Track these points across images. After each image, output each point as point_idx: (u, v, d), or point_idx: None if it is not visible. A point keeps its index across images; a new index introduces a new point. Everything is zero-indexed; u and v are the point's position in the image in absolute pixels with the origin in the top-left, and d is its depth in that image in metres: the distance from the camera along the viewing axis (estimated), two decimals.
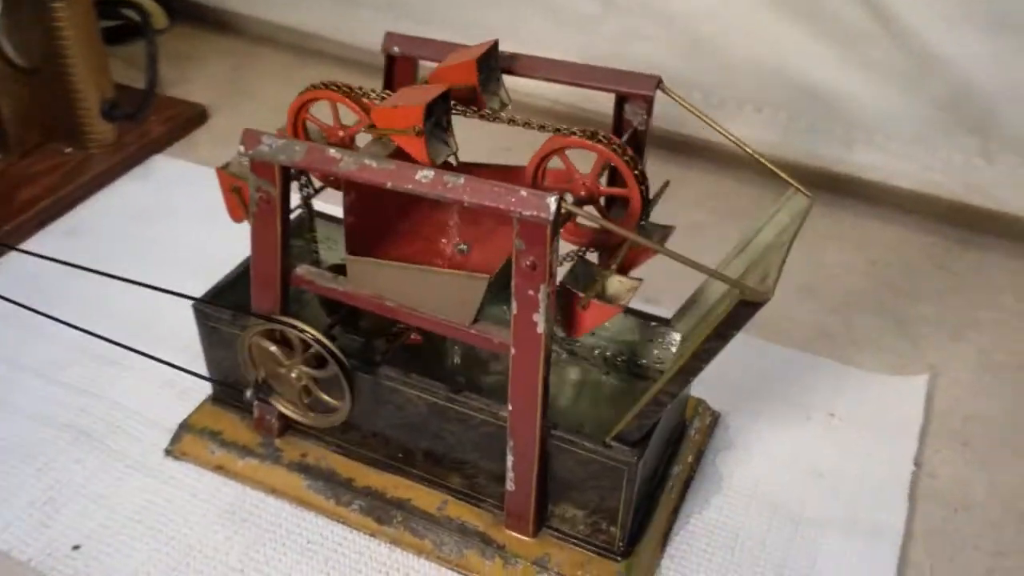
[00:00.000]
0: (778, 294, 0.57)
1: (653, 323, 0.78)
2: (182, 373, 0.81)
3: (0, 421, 0.83)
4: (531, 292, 0.60)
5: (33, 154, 1.13)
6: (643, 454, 0.66)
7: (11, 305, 0.83)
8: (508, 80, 0.70)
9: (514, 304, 0.61)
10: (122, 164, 1.14)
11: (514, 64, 0.71)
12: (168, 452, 0.80)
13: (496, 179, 0.58)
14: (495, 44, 0.67)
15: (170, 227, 1.07)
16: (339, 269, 0.76)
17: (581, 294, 0.62)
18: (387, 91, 0.70)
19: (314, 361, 0.70)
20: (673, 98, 0.68)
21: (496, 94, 0.67)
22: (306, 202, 0.74)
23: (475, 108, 0.66)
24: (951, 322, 0.96)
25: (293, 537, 0.74)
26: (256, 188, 0.65)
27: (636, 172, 0.63)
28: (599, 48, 1.15)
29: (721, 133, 0.66)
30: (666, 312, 0.78)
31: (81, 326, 0.79)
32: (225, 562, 0.72)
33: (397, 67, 0.75)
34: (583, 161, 0.66)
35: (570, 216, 0.65)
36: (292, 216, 0.68)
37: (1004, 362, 0.92)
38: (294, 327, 0.68)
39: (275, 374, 0.72)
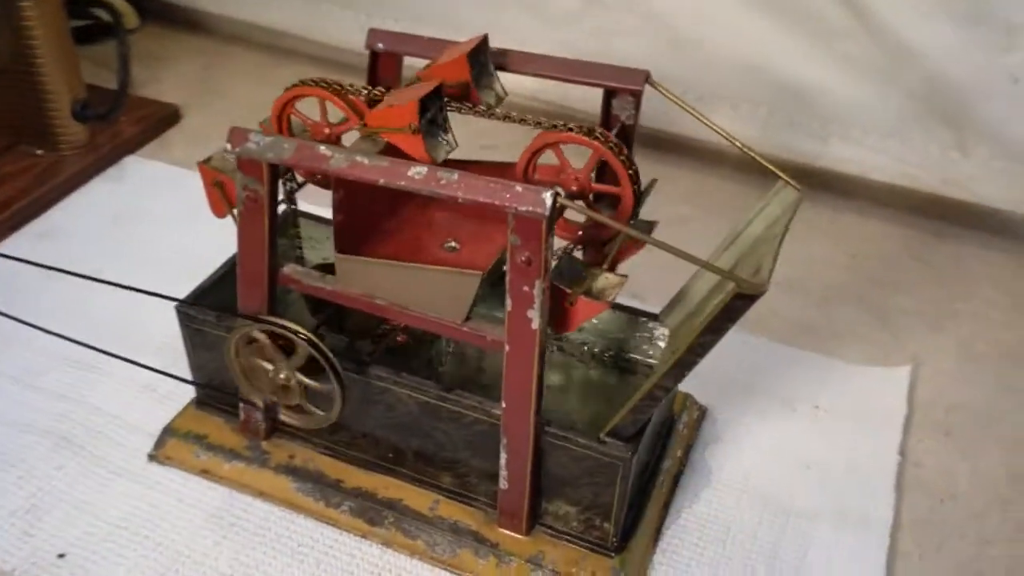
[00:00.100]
0: None
1: (641, 318, 0.78)
2: (162, 377, 0.80)
3: None
4: (526, 288, 0.59)
5: (3, 156, 1.11)
6: (637, 449, 0.65)
7: None
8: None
9: (508, 300, 0.60)
10: (95, 165, 1.13)
11: (500, 60, 0.70)
12: (152, 457, 0.79)
13: (486, 175, 0.58)
14: (484, 39, 0.67)
15: (146, 228, 1.06)
16: (325, 268, 0.75)
17: (568, 290, 0.62)
18: (373, 87, 0.69)
19: (303, 362, 0.69)
20: (662, 92, 0.68)
21: (491, 88, 0.67)
22: (290, 197, 0.73)
23: (470, 104, 0.65)
24: (931, 313, 0.97)
25: (283, 540, 0.73)
26: (243, 187, 0.64)
27: (631, 172, 0.63)
28: (579, 44, 1.15)
29: (711, 127, 0.66)
30: (651, 307, 0.78)
31: (58, 331, 0.78)
32: (215, 567, 0.71)
33: (381, 63, 0.74)
34: (570, 156, 0.66)
35: (561, 211, 0.65)
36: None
37: (984, 352, 0.93)
38: (283, 327, 0.67)
39: (262, 376, 0.71)
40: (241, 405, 0.76)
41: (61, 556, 0.72)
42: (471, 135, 0.86)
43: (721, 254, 0.70)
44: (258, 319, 0.69)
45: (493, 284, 0.66)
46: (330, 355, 0.67)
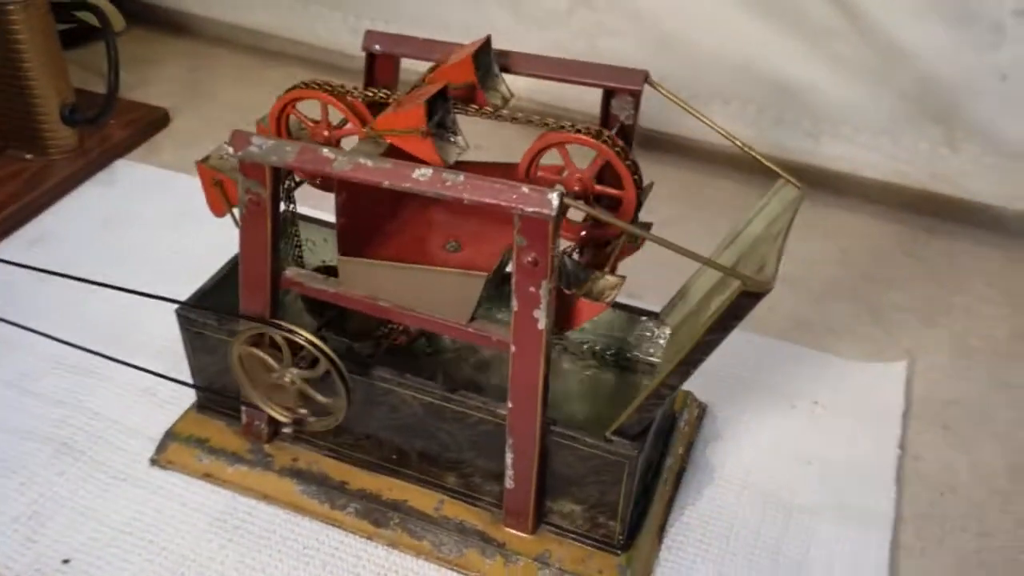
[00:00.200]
0: None
1: (641, 317, 0.78)
2: (161, 381, 0.80)
3: None
4: (532, 289, 0.60)
5: None
6: (644, 447, 0.66)
7: None
8: None
9: (515, 301, 0.61)
10: (85, 170, 1.12)
11: (501, 61, 0.70)
12: (154, 461, 0.79)
13: (488, 176, 0.58)
14: (487, 40, 0.67)
15: (138, 232, 1.05)
16: (325, 270, 0.75)
17: (568, 291, 0.62)
18: (371, 89, 0.69)
19: (306, 364, 0.69)
20: (661, 92, 0.68)
21: (497, 90, 0.67)
22: (288, 195, 0.73)
23: (476, 106, 0.65)
24: (924, 308, 0.98)
25: (288, 543, 0.73)
26: (245, 190, 0.64)
27: (635, 177, 0.64)
28: (566, 44, 1.15)
29: (711, 127, 0.67)
30: (648, 306, 0.79)
31: (55, 336, 0.78)
32: (220, 571, 0.71)
33: (378, 65, 0.74)
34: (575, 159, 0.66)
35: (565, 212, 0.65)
36: None
37: (977, 346, 0.94)
38: (287, 330, 0.67)
39: (265, 379, 0.71)
40: (243, 408, 0.76)
41: (65, 562, 0.72)
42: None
43: (722, 253, 0.70)
44: (262, 322, 0.68)
45: (496, 285, 0.66)
46: (335, 357, 0.67)
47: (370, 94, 0.68)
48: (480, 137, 0.87)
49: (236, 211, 0.68)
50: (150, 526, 0.74)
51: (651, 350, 0.79)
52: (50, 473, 0.78)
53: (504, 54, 0.70)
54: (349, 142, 0.70)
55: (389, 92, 0.67)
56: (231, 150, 0.65)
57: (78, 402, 0.84)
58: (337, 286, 0.67)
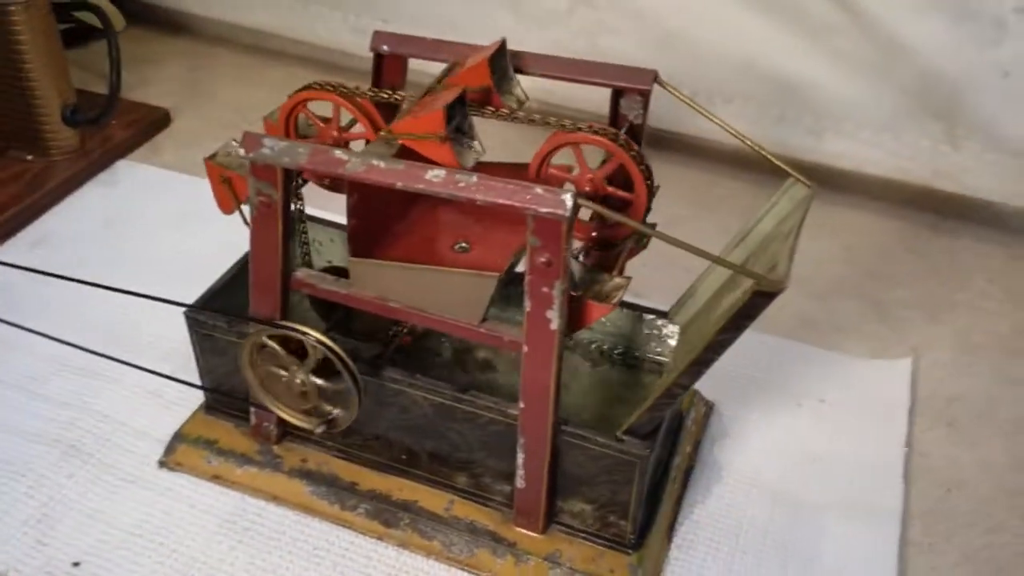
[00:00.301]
0: None
1: (649, 316, 0.78)
2: (168, 382, 0.80)
3: None
4: (545, 289, 0.60)
5: None
6: (655, 447, 0.66)
7: None
8: None
9: (528, 301, 0.61)
10: (86, 170, 1.12)
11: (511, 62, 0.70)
12: (162, 463, 0.79)
13: (498, 176, 0.58)
14: (503, 44, 0.67)
15: (140, 233, 1.05)
16: (334, 271, 0.75)
17: (574, 293, 0.62)
18: (380, 90, 0.69)
19: (316, 366, 0.69)
20: (670, 91, 0.68)
21: (512, 93, 0.67)
22: (296, 193, 0.72)
23: (492, 109, 0.65)
24: (927, 305, 0.98)
25: (298, 544, 0.73)
26: (256, 192, 0.64)
27: (648, 182, 0.64)
28: (566, 43, 1.15)
29: (722, 127, 0.67)
30: (653, 305, 0.79)
31: (62, 339, 0.77)
32: (230, 573, 0.71)
33: (386, 65, 0.74)
34: (572, 157, 0.66)
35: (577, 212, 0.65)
36: None
37: (981, 343, 0.94)
38: (298, 332, 0.67)
39: (276, 380, 0.71)
40: (252, 410, 0.76)
41: (76, 565, 0.71)
42: None
43: (731, 251, 0.70)
44: (272, 324, 0.68)
45: (504, 285, 0.66)
46: (346, 358, 0.67)
47: (381, 95, 0.68)
48: (482, 136, 0.87)
49: (244, 208, 0.68)
50: (159, 528, 0.74)
51: (659, 349, 0.79)
52: (59, 476, 0.78)
53: (513, 54, 0.70)
54: (354, 144, 0.70)
55: (398, 93, 0.67)
56: (239, 146, 0.65)
57: (85, 404, 0.84)
58: (348, 287, 0.67)
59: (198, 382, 0.79)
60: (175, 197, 1.10)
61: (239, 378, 0.74)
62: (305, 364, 0.69)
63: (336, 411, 0.70)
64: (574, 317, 0.63)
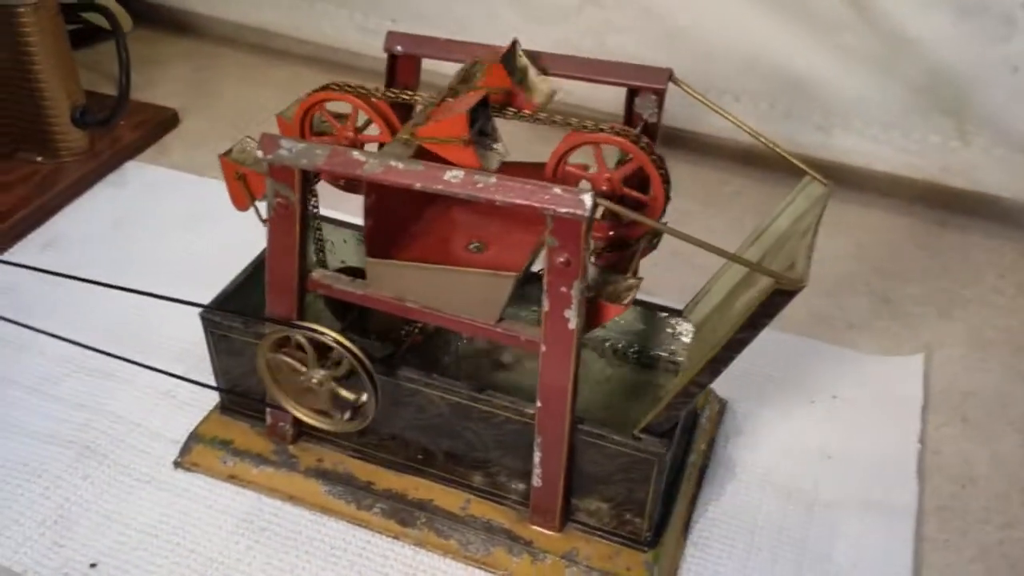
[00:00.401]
0: None
1: (663, 314, 0.78)
2: (181, 383, 0.80)
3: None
4: (564, 289, 0.60)
5: (2, 164, 1.10)
6: (671, 445, 0.66)
7: None
8: None
9: (546, 301, 0.61)
10: (96, 172, 1.12)
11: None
12: (178, 464, 0.79)
13: (514, 175, 0.58)
14: (514, 43, 0.67)
15: (150, 234, 1.05)
16: (348, 271, 0.75)
17: (588, 293, 0.62)
18: (395, 90, 0.69)
19: (333, 366, 0.69)
20: (685, 90, 0.68)
21: (538, 89, 0.67)
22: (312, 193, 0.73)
23: (514, 110, 0.65)
24: (939, 301, 0.98)
25: (315, 544, 0.73)
26: (274, 193, 0.64)
27: (666, 185, 0.64)
28: (574, 41, 1.15)
29: (738, 125, 0.67)
30: (662, 303, 0.79)
31: (76, 340, 0.78)
32: (248, 573, 0.71)
33: (400, 66, 0.74)
34: (589, 157, 0.66)
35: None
36: None
37: (993, 339, 0.94)
38: (315, 332, 0.67)
39: (293, 381, 0.71)
40: (268, 410, 0.76)
41: (93, 566, 0.72)
42: None
43: (747, 249, 0.70)
44: (289, 324, 0.68)
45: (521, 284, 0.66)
46: (364, 358, 0.67)
47: (402, 96, 0.68)
48: None
49: (259, 205, 0.68)
50: (176, 529, 0.74)
51: (673, 347, 0.79)
52: (74, 477, 0.78)
53: (528, 54, 0.70)
54: (369, 145, 0.70)
55: (415, 94, 0.67)
56: (253, 143, 0.65)
57: (99, 405, 0.84)
58: (365, 288, 0.67)
59: (212, 382, 0.79)
60: (184, 198, 1.10)
61: (255, 378, 0.74)
62: (322, 364, 0.69)
63: (363, 396, 0.69)
64: (588, 317, 0.63)
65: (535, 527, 0.72)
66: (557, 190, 0.57)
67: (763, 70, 1.09)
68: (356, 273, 0.75)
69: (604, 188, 0.65)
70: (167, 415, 0.83)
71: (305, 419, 0.72)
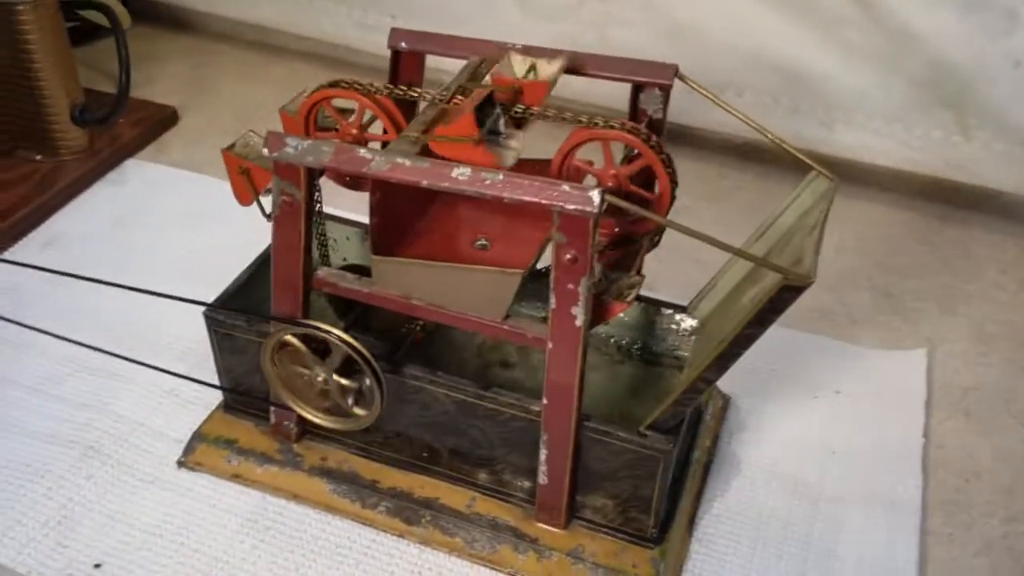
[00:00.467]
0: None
1: (667, 310, 0.78)
2: (183, 382, 0.80)
3: (1, 440, 0.80)
4: (571, 286, 0.60)
5: (1, 163, 1.10)
6: (678, 442, 0.66)
7: None
8: None
9: (552, 298, 0.61)
10: (95, 170, 1.11)
11: (527, 55, 0.70)
12: (181, 463, 0.78)
13: (519, 172, 0.58)
14: (508, 54, 0.67)
15: (150, 232, 1.05)
16: (352, 269, 0.75)
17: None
18: (408, 88, 0.69)
19: (338, 364, 0.69)
20: (691, 86, 0.68)
21: (548, 70, 0.67)
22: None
23: (524, 106, 0.65)
24: (940, 296, 0.98)
25: (320, 543, 0.73)
26: (280, 191, 0.64)
27: (672, 185, 0.64)
28: (575, 36, 1.15)
29: (744, 120, 0.67)
30: (665, 299, 0.79)
31: (80, 341, 0.77)
32: (253, 572, 0.71)
33: (403, 62, 0.74)
34: (592, 153, 0.66)
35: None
36: None
37: (995, 333, 0.94)
38: (321, 330, 0.67)
39: (298, 379, 0.71)
40: (272, 408, 0.76)
41: (97, 566, 0.71)
42: None
43: (752, 245, 0.70)
44: (294, 322, 0.68)
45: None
46: (369, 356, 0.66)
47: (410, 93, 0.67)
48: None
49: (263, 200, 0.68)
50: (181, 528, 0.74)
51: (676, 344, 0.79)
52: (78, 477, 0.77)
53: (526, 50, 0.69)
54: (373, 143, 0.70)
55: (417, 90, 0.67)
56: (256, 137, 0.65)
57: (102, 405, 0.84)
58: (370, 286, 0.67)
59: (215, 381, 0.79)
60: (184, 195, 1.10)
61: (258, 377, 0.74)
62: (327, 362, 0.69)
63: (369, 395, 0.69)
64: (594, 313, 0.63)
65: (541, 524, 0.72)
66: (565, 187, 0.56)
67: (766, 65, 1.09)
68: (360, 271, 0.75)
69: (610, 184, 0.65)
70: (170, 414, 0.83)
71: (310, 417, 0.72)
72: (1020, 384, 0.89)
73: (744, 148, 1.14)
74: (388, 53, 0.74)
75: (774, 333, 0.90)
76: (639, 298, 0.77)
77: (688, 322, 0.78)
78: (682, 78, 0.68)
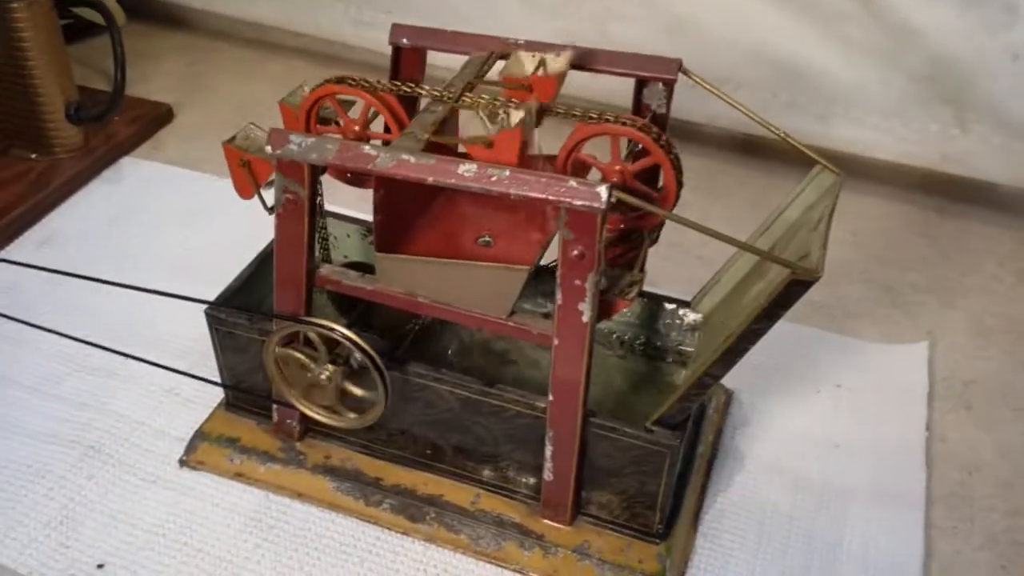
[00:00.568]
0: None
1: (670, 305, 0.78)
2: (184, 380, 0.80)
3: (1, 440, 0.80)
4: (578, 282, 0.59)
5: None
6: (684, 437, 0.66)
7: None
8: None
9: (559, 294, 0.60)
10: (91, 168, 1.11)
11: (531, 51, 0.70)
12: (183, 462, 0.78)
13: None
14: (517, 52, 0.67)
15: (147, 230, 1.05)
16: (354, 267, 0.75)
17: None
18: (410, 84, 0.68)
19: (342, 362, 0.69)
20: (695, 80, 0.68)
21: (558, 66, 0.66)
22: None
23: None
24: (939, 289, 0.99)
25: (324, 541, 0.73)
26: (283, 188, 0.63)
27: (678, 183, 0.63)
28: (575, 31, 1.14)
29: (749, 115, 0.67)
30: (667, 294, 0.79)
31: (81, 339, 0.77)
32: (257, 571, 0.71)
33: (404, 58, 0.73)
34: (597, 148, 0.66)
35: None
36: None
37: (994, 326, 0.94)
38: (324, 328, 0.67)
39: (301, 377, 0.70)
40: (274, 407, 0.76)
41: (100, 567, 0.71)
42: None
43: (756, 239, 0.70)
44: (298, 320, 0.68)
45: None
46: (373, 353, 0.66)
47: (409, 89, 0.67)
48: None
49: (264, 193, 0.67)
50: (183, 528, 0.74)
51: (681, 339, 0.79)
52: (79, 477, 0.77)
53: (529, 45, 0.69)
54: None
55: (425, 88, 0.67)
56: (257, 129, 0.64)
57: (102, 404, 0.83)
58: (374, 283, 0.67)
59: (217, 379, 0.78)
60: (180, 193, 1.09)
61: (261, 375, 0.73)
62: (331, 360, 0.68)
63: (373, 392, 0.69)
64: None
65: (546, 521, 0.72)
66: (572, 183, 0.56)
67: (765, 59, 1.09)
68: (361, 268, 0.75)
69: (615, 180, 0.64)
70: (171, 413, 0.82)
71: (314, 416, 0.72)
72: (1020, 378, 0.89)
73: (742, 142, 1.14)
74: (384, 49, 0.73)
75: (775, 327, 0.90)
76: (642, 293, 0.77)
77: (691, 317, 0.78)
78: (686, 72, 0.68)
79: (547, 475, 0.69)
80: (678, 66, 0.67)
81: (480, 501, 0.73)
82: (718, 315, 0.73)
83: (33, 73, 1.06)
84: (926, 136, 1.06)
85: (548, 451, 0.68)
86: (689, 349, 0.78)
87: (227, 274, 0.77)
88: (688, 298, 0.78)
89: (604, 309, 0.63)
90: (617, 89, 0.75)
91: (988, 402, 0.86)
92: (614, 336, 0.80)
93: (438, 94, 0.66)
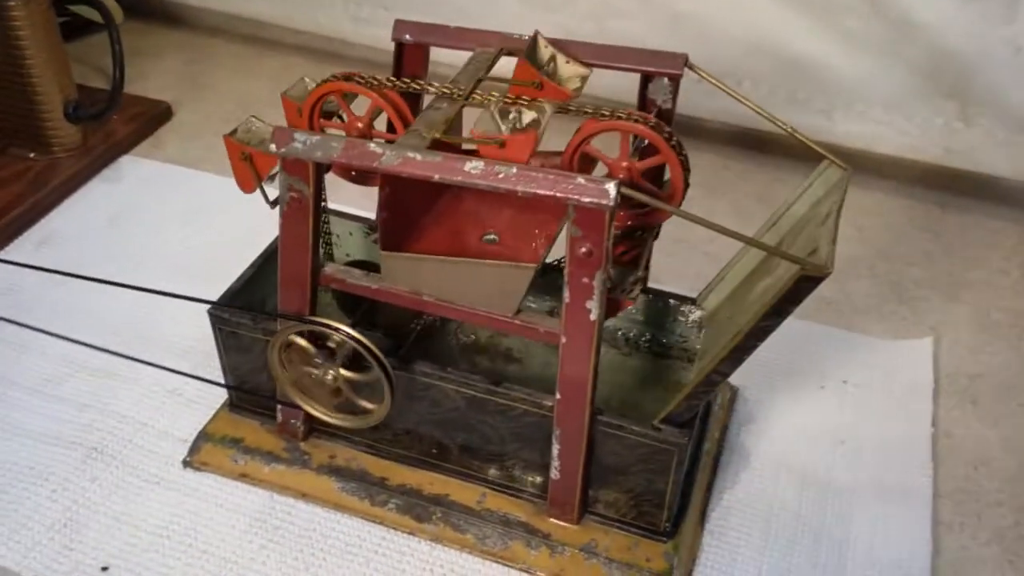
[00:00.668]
0: None
1: (675, 302, 0.78)
2: (187, 381, 0.80)
3: (3, 443, 0.79)
4: (586, 279, 0.59)
5: None
6: (692, 435, 0.66)
7: None
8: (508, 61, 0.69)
9: (567, 292, 0.60)
10: (90, 167, 1.10)
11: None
12: (187, 463, 0.77)
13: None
14: (536, 36, 0.66)
15: (147, 229, 1.04)
16: (357, 265, 0.75)
17: None
18: (414, 80, 0.68)
19: (347, 361, 0.68)
20: (701, 75, 0.68)
21: (571, 76, 0.66)
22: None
23: (542, 100, 0.64)
24: (944, 284, 0.98)
25: (330, 541, 0.72)
26: (288, 187, 0.63)
27: (686, 179, 0.63)
28: (574, 27, 1.14)
29: (755, 110, 0.66)
30: (670, 291, 0.79)
31: (83, 341, 0.76)
32: (262, 572, 0.70)
33: (407, 54, 0.73)
34: (602, 144, 0.65)
35: None
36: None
37: (999, 320, 0.94)
38: (329, 327, 0.66)
39: (306, 377, 0.70)
40: (279, 407, 0.75)
41: (104, 569, 0.71)
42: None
43: (763, 234, 0.70)
44: (302, 319, 0.67)
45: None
46: (379, 353, 0.66)
47: (419, 87, 0.67)
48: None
49: (266, 187, 0.67)
50: (188, 529, 0.73)
51: (686, 336, 0.78)
52: (82, 479, 0.76)
53: (553, 42, 0.68)
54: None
55: (434, 85, 0.67)
56: (258, 122, 0.64)
57: (104, 405, 0.83)
58: (379, 281, 0.66)
59: (217, 379, 0.78)
60: (179, 192, 1.09)
61: (264, 375, 0.73)
62: (336, 360, 0.68)
63: (378, 392, 0.68)
64: None
65: (553, 520, 0.72)
66: (580, 180, 0.56)
67: (766, 54, 1.08)
68: (365, 266, 0.74)
69: (621, 176, 0.64)
70: (174, 414, 0.82)
71: (319, 416, 0.71)
72: None
73: (748, 138, 1.13)
74: (384, 46, 0.73)
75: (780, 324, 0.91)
76: (647, 290, 0.77)
77: (697, 314, 0.77)
78: (692, 67, 0.68)
79: (554, 474, 0.69)
80: (684, 61, 0.67)
81: (486, 500, 0.73)
82: (724, 312, 0.72)
83: (31, 71, 1.05)
84: (929, 130, 1.06)
85: (555, 450, 0.68)
86: (695, 346, 0.78)
87: (228, 272, 0.77)
88: (694, 295, 0.77)
89: (609, 308, 0.63)
90: (622, 85, 0.74)
91: (994, 397, 0.86)
92: (619, 333, 0.80)
93: (447, 91, 0.65)
